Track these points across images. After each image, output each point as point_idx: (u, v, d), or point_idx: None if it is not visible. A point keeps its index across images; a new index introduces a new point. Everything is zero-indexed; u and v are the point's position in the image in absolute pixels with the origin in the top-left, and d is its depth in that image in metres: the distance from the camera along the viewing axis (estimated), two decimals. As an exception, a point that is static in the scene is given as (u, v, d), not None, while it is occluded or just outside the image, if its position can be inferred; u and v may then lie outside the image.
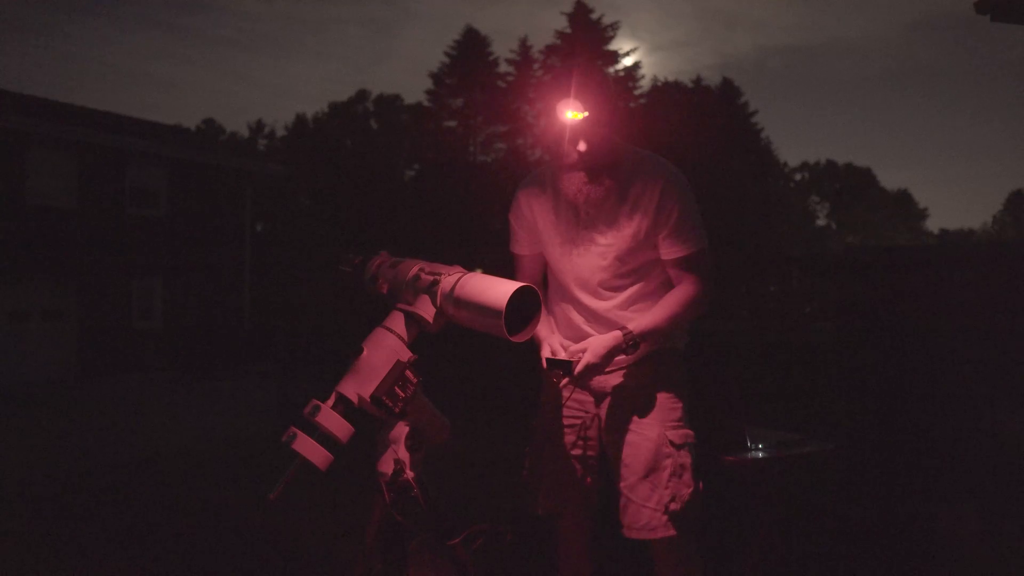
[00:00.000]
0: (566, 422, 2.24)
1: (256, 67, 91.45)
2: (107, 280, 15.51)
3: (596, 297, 2.15)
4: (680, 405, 2.16)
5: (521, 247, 2.29)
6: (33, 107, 15.50)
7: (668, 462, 2.10)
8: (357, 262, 2.08)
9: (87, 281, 15.24)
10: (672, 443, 2.11)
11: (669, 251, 2.08)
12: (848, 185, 61.08)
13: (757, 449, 3.37)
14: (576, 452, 2.22)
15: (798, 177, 61.62)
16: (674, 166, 2.12)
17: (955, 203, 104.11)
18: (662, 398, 2.14)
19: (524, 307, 1.79)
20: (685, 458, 2.11)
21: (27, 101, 15.98)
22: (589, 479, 2.23)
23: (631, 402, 2.15)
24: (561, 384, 2.03)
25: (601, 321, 2.14)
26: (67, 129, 14.95)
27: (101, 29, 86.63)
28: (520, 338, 1.80)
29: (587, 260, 2.12)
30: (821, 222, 61.71)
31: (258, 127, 54.71)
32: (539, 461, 2.26)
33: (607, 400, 2.18)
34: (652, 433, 2.11)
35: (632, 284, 2.13)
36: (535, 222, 2.22)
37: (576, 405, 2.23)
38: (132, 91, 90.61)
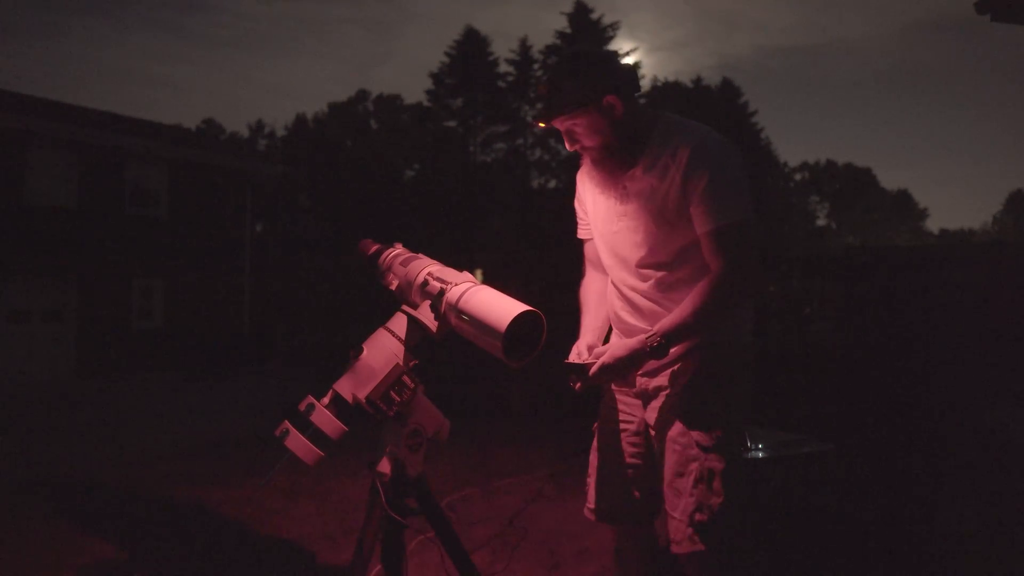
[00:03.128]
0: (620, 426, 2.12)
1: (256, 67, 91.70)
2: (107, 280, 15.50)
3: (635, 278, 2.00)
4: (720, 402, 1.95)
5: (583, 231, 2.20)
6: (33, 107, 15.49)
7: (694, 466, 1.89)
8: (372, 251, 2.07)
9: (87, 281, 15.23)
10: (699, 444, 1.90)
11: (697, 226, 1.86)
12: (848, 185, 61.07)
13: (757, 449, 3.37)
14: (627, 459, 2.09)
15: (798, 177, 61.68)
16: (714, 132, 1.92)
17: (955, 203, 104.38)
18: (698, 395, 1.94)
19: (530, 331, 1.75)
20: (715, 463, 1.88)
21: (27, 101, 15.97)
22: (639, 489, 2.07)
23: (672, 404, 1.97)
24: (576, 388, 1.94)
25: (637, 308, 2.01)
26: (67, 129, 14.94)
27: (101, 29, 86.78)
28: (519, 363, 1.75)
29: (623, 236, 1.99)
30: (821, 222, 61.77)
31: (258, 127, 54.85)
32: (594, 462, 2.17)
33: (651, 404, 2.02)
34: (677, 433, 1.93)
35: (671, 267, 1.94)
36: (587, 203, 2.13)
37: (626, 409, 2.10)
38: (132, 91, 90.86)
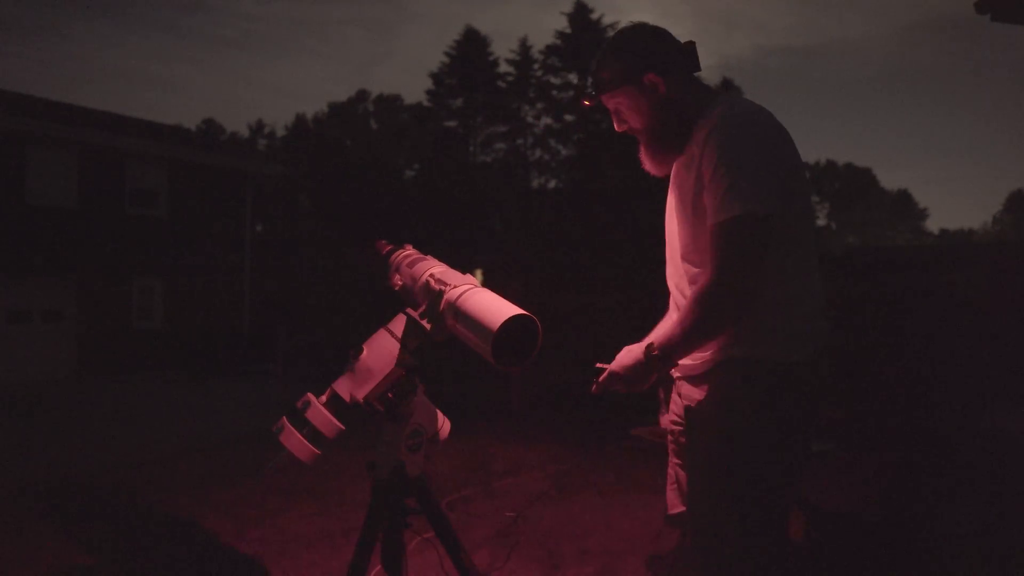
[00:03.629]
0: (673, 427, 1.95)
1: (256, 67, 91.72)
2: (107, 280, 15.50)
3: (679, 275, 1.83)
4: (733, 439, 1.65)
5: None
6: (33, 107, 15.48)
7: (700, 513, 1.72)
8: (386, 251, 2.07)
9: (87, 281, 15.22)
10: (705, 491, 1.70)
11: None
12: (848, 185, 61.09)
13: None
14: (678, 460, 1.94)
15: (798, 177, 61.61)
16: (744, 104, 1.71)
17: (955, 203, 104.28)
18: (714, 427, 1.70)
19: (526, 335, 1.70)
20: (724, 512, 1.65)
21: (27, 101, 15.96)
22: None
23: (695, 423, 1.77)
24: (592, 390, 1.81)
25: (678, 308, 1.82)
26: (67, 129, 14.93)
27: (101, 29, 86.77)
28: (511, 368, 1.70)
29: (674, 228, 1.84)
30: (821, 222, 61.73)
31: (258, 127, 54.78)
32: (672, 474, 1.97)
33: (689, 416, 1.82)
34: (692, 464, 1.75)
35: (698, 271, 1.74)
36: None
37: (676, 410, 1.93)
38: (132, 91, 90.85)
